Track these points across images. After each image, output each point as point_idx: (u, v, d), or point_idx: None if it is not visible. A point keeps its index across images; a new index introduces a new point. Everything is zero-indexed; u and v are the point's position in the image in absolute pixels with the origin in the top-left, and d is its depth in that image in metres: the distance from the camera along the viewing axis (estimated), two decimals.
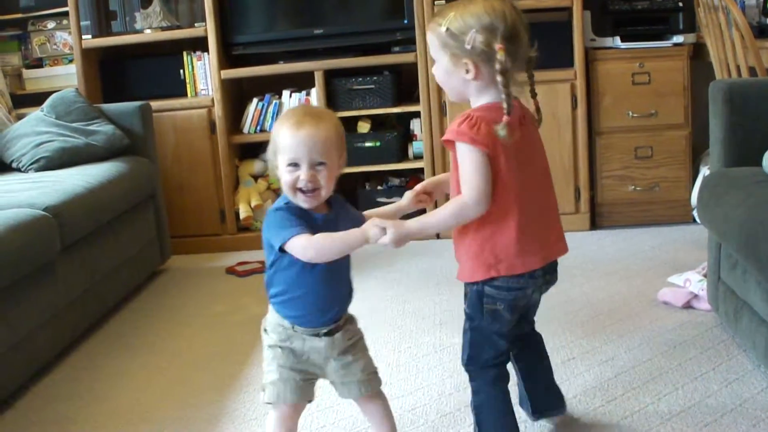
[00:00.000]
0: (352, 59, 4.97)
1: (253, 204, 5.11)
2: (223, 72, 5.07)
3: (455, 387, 2.99)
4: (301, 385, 2.41)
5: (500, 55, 2.30)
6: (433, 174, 4.89)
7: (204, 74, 5.19)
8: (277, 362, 2.40)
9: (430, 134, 4.88)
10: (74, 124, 4.58)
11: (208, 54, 5.11)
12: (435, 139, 4.87)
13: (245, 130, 5.18)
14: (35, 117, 4.70)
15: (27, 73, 5.61)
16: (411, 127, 5.06)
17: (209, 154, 5.12)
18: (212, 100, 5.09)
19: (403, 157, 5.06)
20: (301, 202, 2.29)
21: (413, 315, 3.76)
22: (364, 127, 5.04)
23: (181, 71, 5.24)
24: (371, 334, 3.52)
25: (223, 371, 3.36)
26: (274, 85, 5.22)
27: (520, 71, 2.45)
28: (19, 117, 4.91)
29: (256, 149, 5.35)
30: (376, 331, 3.59)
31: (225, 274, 4.66)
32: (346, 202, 2.47)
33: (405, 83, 5.11)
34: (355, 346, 2.46)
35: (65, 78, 5.48)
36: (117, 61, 5.38)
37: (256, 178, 5.24)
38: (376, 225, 2.26)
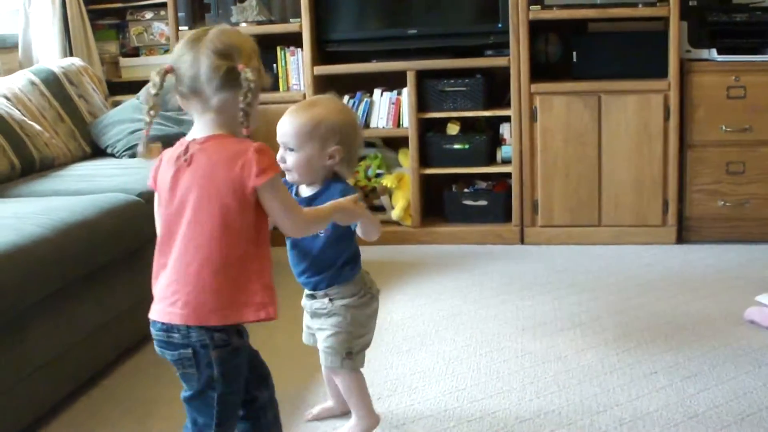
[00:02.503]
0: (445, 61, 4.98)
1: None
2: (315, 68, 5.11)
3: (536, 393, 2.98)
4: (310, 335, 2.79)
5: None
6: (521, 179, 4.89)
7: (297, 69, 5.24)
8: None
9: (519, 139, 4.87)
10: (168, 113, 4.65)
11: (302, 50, 5.15)
12: (524, 144, 4.86)
13: None
14: (131, 104, 4.80)
15: (123, 62, 5.71)
16: (500, 131, 5.05)
17: None
18: (304, 95, 5.13)
19: (491, 160, 5.06)
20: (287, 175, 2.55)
21: (495, 319, 3.75)
22: (453, 129, 5.04)
23: (274, 66, 5.29)
24: (451, 336, 3.55)
25: (303, 366, 3.35)
26: (365, 83, 5.25)
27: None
28: (115, 104, 5.01)
29: None
30: (456, 334, 3.61)
31: None
32: (346, 188, 2.58)
33: (496, 87, 5.10)
34: (327, 317, 2.66)
35: (159, 68, 5.55)
36: None
37: None
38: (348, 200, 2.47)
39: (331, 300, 2.65)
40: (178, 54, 2.10)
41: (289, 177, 2.54)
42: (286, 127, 2.56)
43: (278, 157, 2.48)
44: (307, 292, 2.69)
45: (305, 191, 2.60)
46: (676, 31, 4.61)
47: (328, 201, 2.42)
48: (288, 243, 2.63)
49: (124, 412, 3.04)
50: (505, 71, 4.92)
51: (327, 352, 2.66)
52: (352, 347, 2.66)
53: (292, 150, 2.53)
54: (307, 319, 2.76)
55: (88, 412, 3.04)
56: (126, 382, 3.31)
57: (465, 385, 3.10)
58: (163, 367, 3.40)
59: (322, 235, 2.56)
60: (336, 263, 2.62)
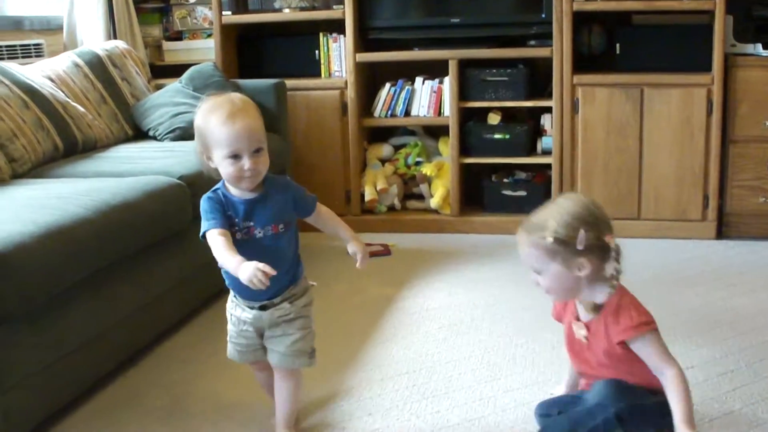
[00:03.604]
0: (487, 50, 4.97)
1: (378, 187, 5.16)
2: (357, 55, 5.12)
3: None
4: (244, 351, 2.64)
5: (613, 245, 2.40)
6: (561, 171, 4.87)
7: (339, 56, 5.25)
8: (228, 325, 2.65)
9: (561, 130, 4.85)
10: None
11: (344, 36, 5.16)
12: (565, 136, 4.84)
13: (376, 113, 5.22)
14: (173, 88, 4.83)
15: (167, 45, 5.75)
16: (542, 121, 5.04)
17: (339, 135, 5.18)
18: (345, 82, 5.14)
19: (532, 151, 5.04)
20: (245, 186, 2.43)
21: (532, 310, 3.75)
22: (494, 119, 5.03)
23: (317, 52, 5.30)
24: (488, 325, 3.56)
25: (341, 349, 3.41)
26: (407, 71, 5.25)
27: None
28: (157, 87, 5.04)
29: (386, 133, 5.40)
30: (492, 324, 3.61)
31: (347, 255, 4.70)
32: (294, 186, 2.59)
33: (538, 77, 5.09)
34: (290, 323, 2.58)
35: (203, 52, 5.60)
36: (254, 38, 5.47)
37: (383, 162, 5.29)
38: (258, 270, 2.26)
39: (291, 303, 2.57)
40: None
41: (258, 179, 2.44)
42: (253, 129, 2.41)
43: (249, 165, 2.37)
44: (255, 304, 2.55)
45: (249, 193, 2.48)
46: (721, 25, 4.57)
47: (274, 205, 2.47)
48: (245, 255, 2.36)
49: (162, 392, 3.07)
50: (547, 62, 4.90)
51: (294, 355, 2.59)
52: (313, 344, 2.66)
53: (260, 150, 2.42)
54: (248, 335, 2.61)
55: (126, 392, 3.08)
56: (163, 363, 3.34)
57: (501, 375, 3.11)
58: (198, 348, 3.45)
59: (283, 229, 2.50)
60: (295, 258, 2.60)
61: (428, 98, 5.12)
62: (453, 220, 5.12)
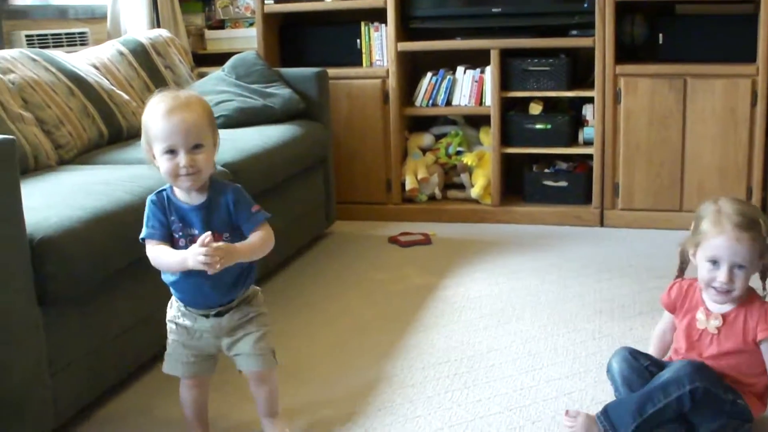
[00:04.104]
0: (529, 40, 4.96)
1: (419, 176, 5.16)
2: (399, 44, 5.12)
3: None
4: (192, 362, 2.50)
5: None
6: (602, 161, 4.85)
7: (380, 45, 5.26)
8: (171, 337, 2.51)
9: (602, 121, 4.83)
10: (253, 86, 4.71)
11: (386, 26, 5.16)
12: (606, 126, 4.82)
13: (417, 103, 5.23)
14: (216, 76, 4.86)
15: (209, 34, 5.78)
16: (583, 112, 5.02)
17: (380, 124, 5.19)
18: (387, 71, 5.15)
19: (573, 141, 5.03)
20: (183, 184, 2.33)
21: (573, 300, 3.75)
22: (535, 109, 5.03)
23: (358, 41, 5.31)
24: (529, 315, 3.56)
25: (382, 337, 3.43)
26: (448, 61, 5.25)
27: None
28: (200, 75, 5.08)
29: (427, 123, 5.41)
30: (533, 314, 3.61)
31: (387, 243, 4.73)
32: (235, 190, 2.43)
33: (580, 68, 5.07)
34: (251, 322, 2.49)
35: (245, 41, 5.62)
36: (296, 27, 5.49)
37: (424, 151, 5.30)
38: (199, 254, 2.23)
39: (248, 304, 2.50)
40: None
41: (197, 179, 2.33)
42: (191, 124, 2.29)
43: (185, 162, 2.28)
44: (211, 312, 2.45)
45: (195, 199, 2.39)
46: (766, 14, 4.52)
47: (219, 212, 2.38)
48: (192, 275, 2.36)
49: None
50: (589, 52, 4.88)
51: (262, 355, 2.50)
52: (273, 344, 2.56)
53: (199, 146, 2.30)
54: (205, 342, 2.50)
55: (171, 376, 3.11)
56: None
57: (541, 365, 3.11)
58: None
59: (228, 238, 2.38)
60: (247, 265, 2.48)
61: (469, 88, 5.12)
62: (493, 210, 5.12)
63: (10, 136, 2.48)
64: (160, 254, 2.36)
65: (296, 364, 3.20)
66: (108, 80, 4.30)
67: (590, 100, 4.93)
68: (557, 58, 4.94)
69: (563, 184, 5.05)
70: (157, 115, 2.30)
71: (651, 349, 2.71)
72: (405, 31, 5.19)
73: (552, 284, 3.97)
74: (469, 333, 3.44)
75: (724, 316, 2.46)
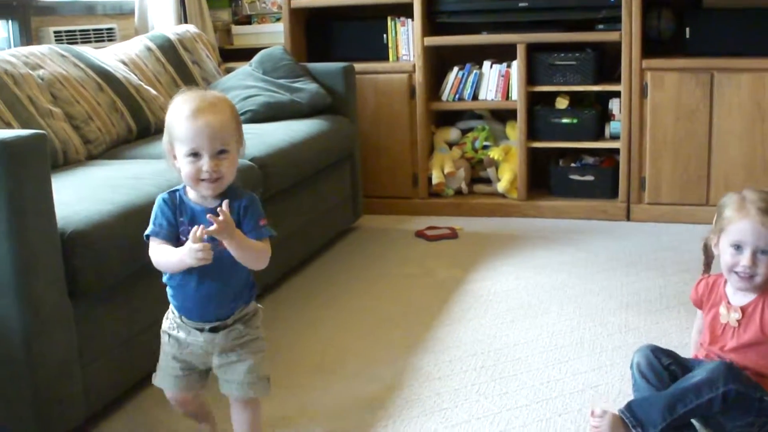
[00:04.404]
0: (556, 34, 4.96)
1: (446, 171, 5.17)
2: (425, 39, 5.13)
3: None
4: (181, 376, 2.37)
5: None
6: (629, 156, 4.85)
7: (407, 40, 5.26)
8: (164, 349, 2.39)
9: (629, 115, 4.82)
10: (280, 81, 4.73)
11: (412, 20, 5.17)
12: (633, 120, 4.81)
13: (444, 97, 5.23)
14: (243, 71, 4.88)
15: (236, 29, 5.81)
16: (609, 106, 5.01)
17: (407, 119, 5.20)
18: (413, 65, 5.16)
19: (599, 136, 5.02)
20: (204, 190, 2.22)
21: (600, 294, 3.75)
22: (562, 103, 5.02)
23: (385, 36, 5.32)
24: (555, 309, 3.57)
25: (409, 330, 3.44)
26: (475, 55, 5.26)
27: None
28: (227, 71, 5.11)
29: (454, 117, 5.42)
30: (560, 307, 3.62)
31: (414, 237, 4.75)
32: (250, 198, 2.30)
33: (607, 62, 5.07)
34: (244, 346, 2.34)
35: (271, 36, 5.64)
36: (323, 22, 5.51)
37: (450, 145, 5.31)
38: (194, 249, 2.12)
39: (245, 324, 2.35)
40: None
41: (219, 186, 2.22)
42: (217, 128, 2.19)
43: (209, 167, 2.17)
44: (206, 326, 2.31)
45: (209, 202, 2.26)
46: None
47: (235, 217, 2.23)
48: (192, 273, 2.24)
49: None
50: (616, 46, 4.87)
51: (254, 383, 2.35)
52: (268, 370, 2.42)
53: (224, 152, 2.20)
54: (195, 356, 2.36)
55: None
56: None
57: (568, 358, 3.12)
58: (266, 328, 3.49)
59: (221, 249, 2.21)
60: (250, 277, 2.37)
61: (496, 82, 5.12)
62: (520, 204, 5.12)
63: (41, 131, 2.51)
64: (161, 253, 2.24)
65: (324, 356, 3.22)
66: (136, 76, 4.33)
67: (617, 94, 4.92)
68: (584, 53, 4.93)
69: (590, 178, 5.04)
70: (181, 116, 2.19)
71: (692, 350, 2.71)
72: (431, 26, 5.20)
73: (578, 278, 3.97)
74: (496, 326, 3.45)
75: (743, 309, 2.46)
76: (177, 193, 2.29)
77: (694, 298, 2.62)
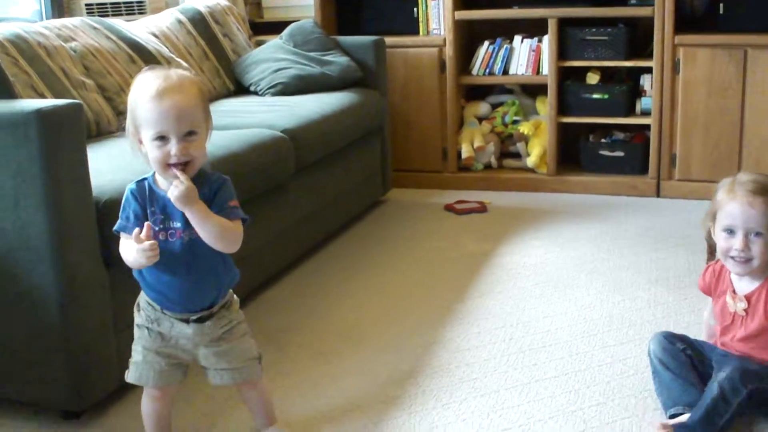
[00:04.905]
0: (587, 9, 4.92)
1: (475, 145, 5.17)
2: (456, 13, 5.11)
3: None
4: (165, 370, 2.29)
5: None
6: (660, 132, 4.83)
7: (437, 14, 5.25)
8: (142, 343, 2.29)
9: (660, 91, 4.80)
10: (311, 54, 4.74)
11: None
12: (665, 96, 4.79)
13: (474, 71, 5.23)
14: (274, 44, 4.89)
15: (266, 2, 5.80)
16: (641, 82, 4.99)
17: (437, 93, 5.20)
18: (444, 39, 5.15)
19: (630, 111, 5.00)
20: (173, 176, 2.09)
21: (628, 269, 3.75)
22: (593, 79, 5.01)
23: (415, 9, 5.31)
24: (584, 283, 3.57)
25: (438, 303, 3.46)
26: (506, 29, 5.24)
27: None
28: (258, 43, 5.12)
29: (484, 91, 5.42)
30: (589, 282, 3.62)
31: (443, 211, 4.76)
32: (223, 181, 2.22)
33: (639, 37, 5.04)
34: (231, 332, 2.31)
35: (301, 9, 5.63)
36: None
37: (480, 120, 5.31)
38: (142, 251, 2.07)
39: (228, 309, 2.32)
40: None
41: (190, 170, 2.12)
42: (185, 109, 2.10)
43: (177, 150, 2.07)
44: (192, 317, 2.25)
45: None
46: None
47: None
48: (168, 265, 2.17)
49: (263, 339, 3.14)
50: (648, 21, 4.84)
51: (247, 366, 2.34)
52: (257, 348, 2.41)
53: (193, 134, 2.11)
54: (182, 350, 2.30)
55: None
56: (263, 312, 3.42)
57: (596, 331, 3.13)
58: (298, 297, 3.52)
59: (191, 238, 2.18)
60: (230, 262, 2.31)
61: (526, 57, 5.11)
62: (549, 179, 5.12)
63: (77, 101, 2.53)
64: (125, 250, 2.16)
65: (353, 328, 3.25)
66: (167, 48, 4.35)
67: (648, 70, 4.90)
68: (616, 28, 4.91)
69: (620, 154, 5.03)
70: (146, 97, 2.08)
71: (702, 336, 2.71)
72: (462, 0, 5.19)
73: (607, 253, 3.97)
74: (525, 299, 3.46)
75: (748, 298, 2.45)
76: (146, 182, 2.20)
77: (702, 286, 2.61)
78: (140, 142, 2.14)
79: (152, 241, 2.06)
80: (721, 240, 2.42)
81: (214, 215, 2.14)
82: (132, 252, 2.11)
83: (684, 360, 2.53)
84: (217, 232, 2.13)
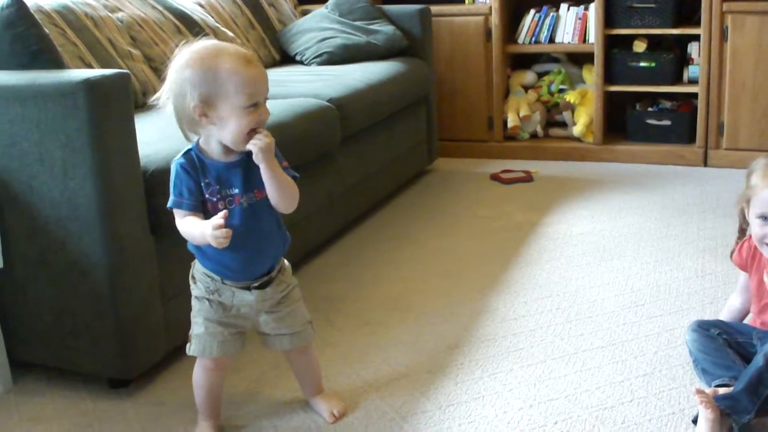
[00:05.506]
0: None
1: (521, 114, 5.15)
2: None
3: (714, 313, 2.94)
4: (228, 340, 2.29)
5: None
6: (707, 100, 4.78)
7: None
8: (203, 315, 2.27)
9: (708, 59, 4.74)
10: (356, 23, 4.73)
11: None
12: (712, 64, 4.73)
13: (520, 40, 5.20)
14: (320, 13, 4.89)
15: None
16: (688, 50, 4.94)
17: (483, 62, 5.18)
18: (490, 8, 5.12)
19: (677, 80, 4.95)
20: (248, 144, 2.08)
21: (676, 239, 3.73)
22: (639, 47, 4.96)
23: None
24: (631, 253, 3.55)
25: (485, 271, 3.46)
26: None
27: None
28: (303, 13, 5.11)
29: (530, 60, 5.38)
30: (636, 251, 3.60)
31: (489, 180, 4.75)
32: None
33: (686, 4, 4.98)
34: (289, 296, 2.32)
35: None
36: None
37: (526, 89, 5.28)
38: (215, 237, 2.02)
39: (283, 273, 2.32)
40: None
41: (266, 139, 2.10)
42: (265, 74, 2.13)
43: (267, 114, 2.13)
44: (255, 284, 2.25)
45: (230, 155, 2.16)
46: None
47: (255, 167, 2.12)
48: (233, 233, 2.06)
49: (310, 307, 3.16)
50: None
51: (303, 330, 2.37)
52: (308, 312, 2.42)
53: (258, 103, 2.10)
54: (245, 318, 2.30)
55: None
56: (306, 283, 3.44)
57: (644, 301, 3.11)
58: (345, 266, 3.53)
59: (249, 203, 2.19)
60: (284, 225, 2.32)
61: (573, 25, 5.07)
62: (595, 148, 5.09)
63: (125, 71, 2.55)
64: (186, 226, 2.14)
65: (400, 296, 3.26)
66: (213, 18, 4.36)
67: (696, 37, 4.84)
68: None
69: (666, 122, 4.99)
70: (234, 67, 2.04)
71: (721, 315, 2.69)
72: None
73: (655, 222, 3.95)
74: (571, 269, 3.45)
75: None
76: (192, 153, 2.16)
77: (738, 261, 2.56)
78: (205, 116, 2.08)
79: (227, 230, 2.02)
80: (756, 226, 2.38)
81: (287, 178, 2.16)
82: (197, 229, 2.09)
83: (722, 342, 2.51)
84: (287, 187, 2.15)
